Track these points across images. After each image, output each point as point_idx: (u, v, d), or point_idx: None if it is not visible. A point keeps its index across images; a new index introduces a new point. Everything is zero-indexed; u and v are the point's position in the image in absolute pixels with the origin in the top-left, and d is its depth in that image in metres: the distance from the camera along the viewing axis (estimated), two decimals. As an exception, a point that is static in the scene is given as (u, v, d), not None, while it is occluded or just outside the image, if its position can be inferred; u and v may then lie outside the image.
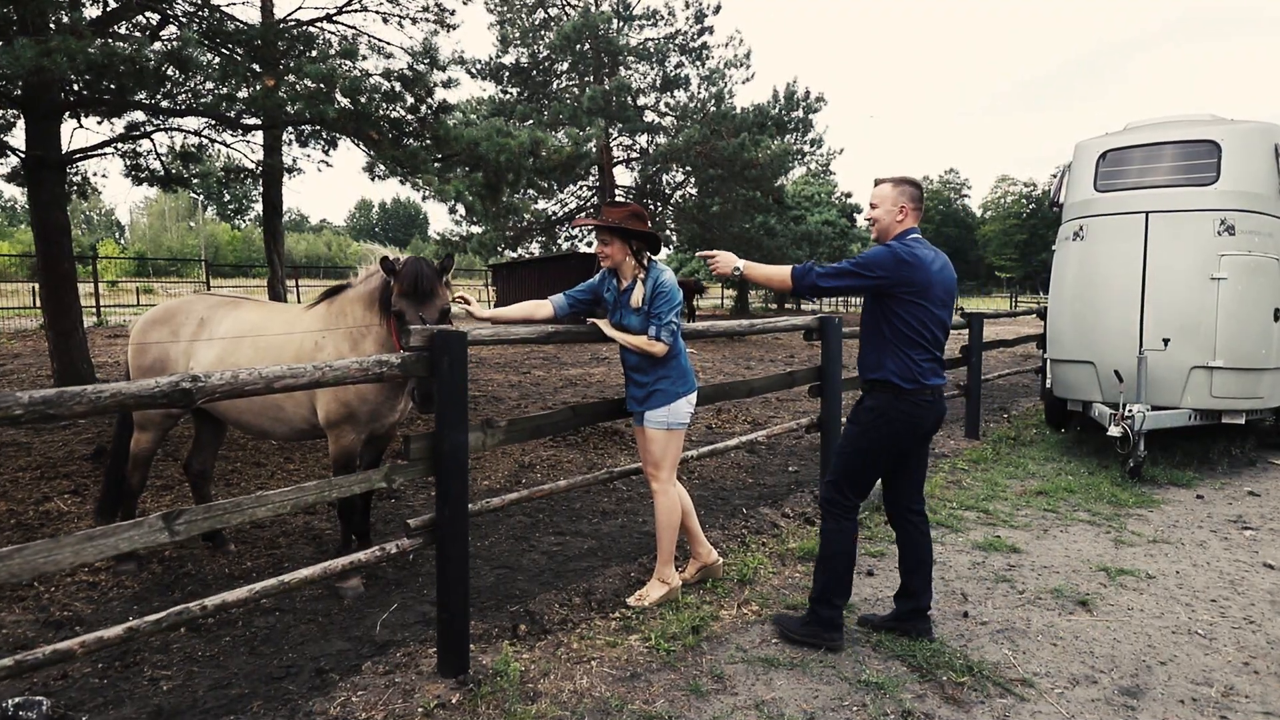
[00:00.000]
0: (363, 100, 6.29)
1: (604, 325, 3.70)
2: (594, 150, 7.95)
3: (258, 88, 6.09)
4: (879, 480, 3.59)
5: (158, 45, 5.65)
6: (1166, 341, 6.48)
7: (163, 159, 10.18)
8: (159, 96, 6.25)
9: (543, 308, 3.71)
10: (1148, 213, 6.75)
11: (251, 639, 3.57)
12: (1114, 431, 6.23)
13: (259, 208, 14.63)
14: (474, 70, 19.96)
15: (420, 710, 2.85)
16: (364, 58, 7.40)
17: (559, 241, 24.07)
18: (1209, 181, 6.61)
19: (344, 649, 3.46)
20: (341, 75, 6.00)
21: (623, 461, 6.96)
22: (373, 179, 7.50)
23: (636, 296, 3.59)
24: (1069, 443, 7.84)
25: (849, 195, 36.24)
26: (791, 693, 3.11)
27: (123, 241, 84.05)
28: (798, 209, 31.94)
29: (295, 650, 3.47)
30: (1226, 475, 6.72)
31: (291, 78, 6.35)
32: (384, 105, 6.42)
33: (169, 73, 5.50)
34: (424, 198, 8.07)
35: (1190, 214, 6.59)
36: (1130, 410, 6.28)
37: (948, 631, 3.67)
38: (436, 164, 7.07)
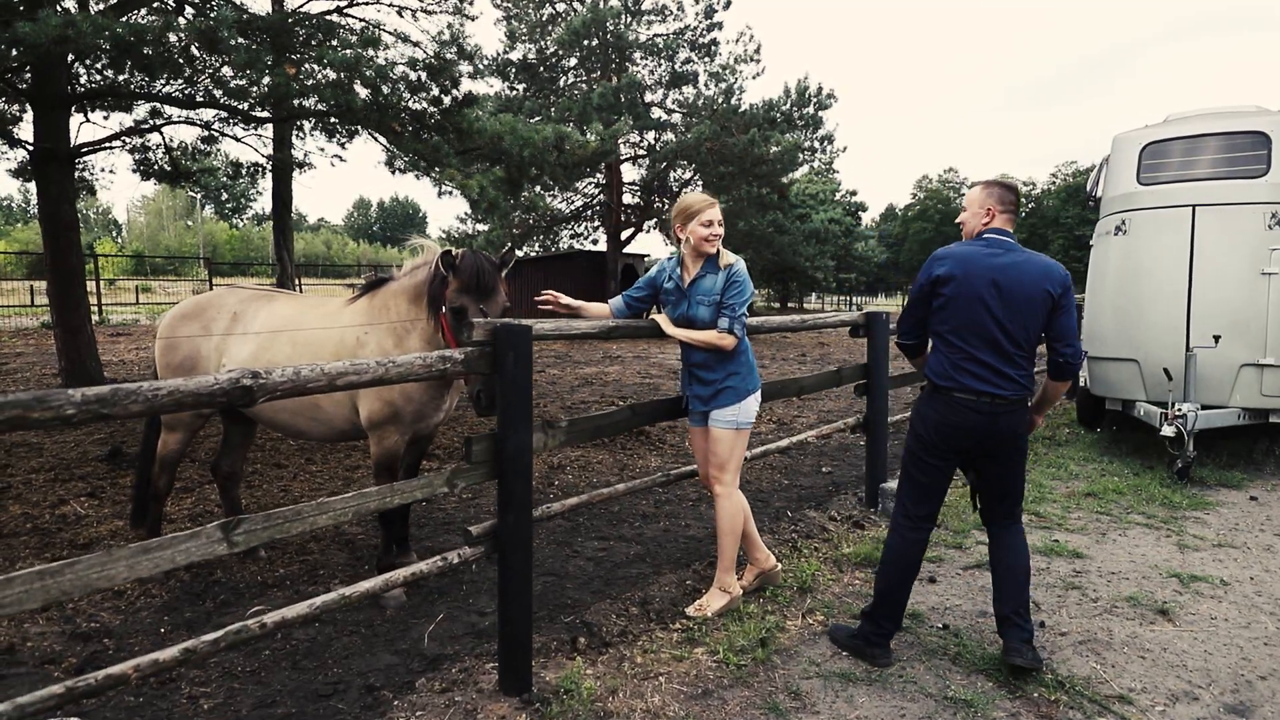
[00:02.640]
0: (385, 91, 6.08)
1: (664, 323, 3.48)
2: (619, 146, 7.75)
3: (280, 77, 5.88)
4: (940, 492, 3.31)
5: (182, 26, 5.42)
6: (1217, 338, 6.29)
7: (172, 153, 9.97)
8: (180, 81, 6.02)
9: (603, 310, 3.57)
10: (1194, 206, 6.56)
11: (293, 653, 3.36)
12: (1168, 431, 6.03)
13: (257, 206, 14.41)
14: (481, 66, 19.69)
15: (486, 732, 2.65)
16: (387, 47, 7.18)
17: (568, 239, 23.86)
18: (1259, 174, 6.42)
19: (392, 663, 3.25)
20: (366, 64, 5.78)
21: (654, 463, 6.76)
22: (393, 172, 7.31)
23: (713, 284, 3.38)
24: (1106, 442, 7.65)
25: (854, 193, 36.01)
26: (876, 711, 2.92)
27: (120, 240, 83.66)
28: (803, 206, 31.74)
29: (340, 665, 3.26)
30: (1275, 476, 6.53)
31: (313, 67, 6.13)
32: (408, 96, 6.21)
33: (195, 54, 5.28)
34: (440, 194, 7.83)
35: (1240, 207, 6.40)
36: (1181, 409, 6.09)
37: (1027, 643, 3.47)
38: (457, 158, 6.85)
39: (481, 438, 2.81)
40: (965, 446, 3.18)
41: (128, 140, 9.59)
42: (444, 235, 21.36)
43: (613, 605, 3.71)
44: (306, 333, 3.75)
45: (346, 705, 2.94)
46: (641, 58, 21.03)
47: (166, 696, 3.01)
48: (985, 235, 3.22)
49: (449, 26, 6.45)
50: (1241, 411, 6.39)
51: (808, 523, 5.02)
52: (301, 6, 10.06)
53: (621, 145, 22.10)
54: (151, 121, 9.29)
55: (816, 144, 20.86)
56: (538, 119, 17.60)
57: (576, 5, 19.64)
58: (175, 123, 9.16)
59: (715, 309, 3.38)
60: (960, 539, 4.81)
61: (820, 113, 19.90)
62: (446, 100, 6.35)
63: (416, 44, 6.70)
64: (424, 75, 6.16)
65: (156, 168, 10.13)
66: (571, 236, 24.36)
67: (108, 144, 9.05)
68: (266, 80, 5.83)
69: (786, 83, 19.69)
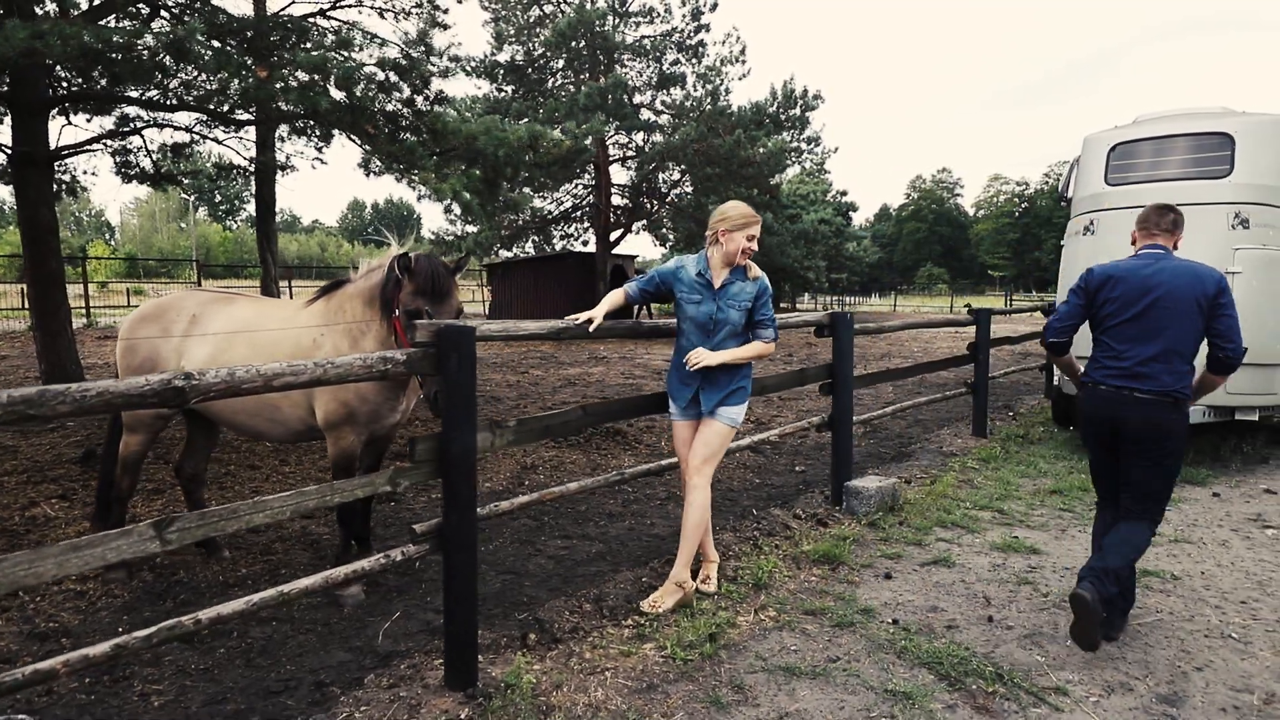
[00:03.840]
0: (357, 92, 6.12)
1: (709, 356, 3.57)
2: (591, 145, 7.78)
3: (250, 80, 5.92)
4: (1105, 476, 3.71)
5: (152, 34, 5.46)
6: (1180, 337, 6.36)
7: (153, 156, 9.99)
8: (150, 88, 6.06)
9: (617, 296, 3.77)
10: (1159, 206, 6.63)
11: (248, 650, 3.41)
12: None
13: (251, 208, 14.45)
14: (469, 68, 19.74)
15: (428, 726, 2.70)
16: (360, 48, 7.22)
17: (557, 241, 23.88)
18: (1223, 174, 6.51)
19: (345, 660, 3.30)
20: (335, 65, 5.83)
21: (628, 462, 6.81)
22: (367, 174, 7.35)
23: (741, 290, 3.64)
24: (1079, 441, 7.72)
25: (844, 194, 36.10)
26: (816, 704, 2.97)
27: (113, 242, 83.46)
28: (793, 207, 31.82)
29: (294, 662, 3.30)
30: (1240, 473, 6.61)
31: (285, 70, 6.17)
32: (380, 97, 6.25)
33: (165, 63, 5.32)
34: (420, 197, 7.89)
35: (1204, 207, 6.47)
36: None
37: (973, 637, 3.53)
38: (434, 159, 6.90)
39: (426, 438, 2.86)
40: (1109, 434, 3.56)
41: (108, 143, 9.61)
42: (432, 237, 21.36)
43: (567, 602, 3.76)
44: (264, 334, 3.80)
45: (295, 701, 2.98)
46: (630, 59, 21.08)
47: (119, 694, 3.05)
48: (1142, 251, 3.63)
49: (417, 27, 6.49)
50: (1207, 409, 6.46)
51: (771, 521, 5.07)
52: (284, 9, 10.11)
53: (611, 147, 22.19)
54: (131, 125, 9.31)
55: (803, 145, 20.95)
56: (525, 120, 17.66)
57: (564, 7, 19.68)
58: (155, 126, 9.19)
59: (744, 314, 3.62)
60: (921, 536, 4.87)
61: (807, 114, 19.97)
62: (419, 101, 6.38)
63: (383, 44, 6.72)
64: (393, 75, 6.20)
65: (137, 170, 10.16)
66: (562, 237, 24.38)
67: (87, 147, 9.08)
68: (237, 85, 5.86)
69: (773, 84, 19.73)
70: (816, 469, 6.84)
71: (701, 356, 3.57)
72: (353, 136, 6.55)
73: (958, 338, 19.98)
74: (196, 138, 9.54)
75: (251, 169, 11.24)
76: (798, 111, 19.63)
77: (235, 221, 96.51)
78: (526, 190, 22.38)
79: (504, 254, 24.24)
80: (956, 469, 6.63)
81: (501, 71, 20.10)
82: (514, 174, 7.04)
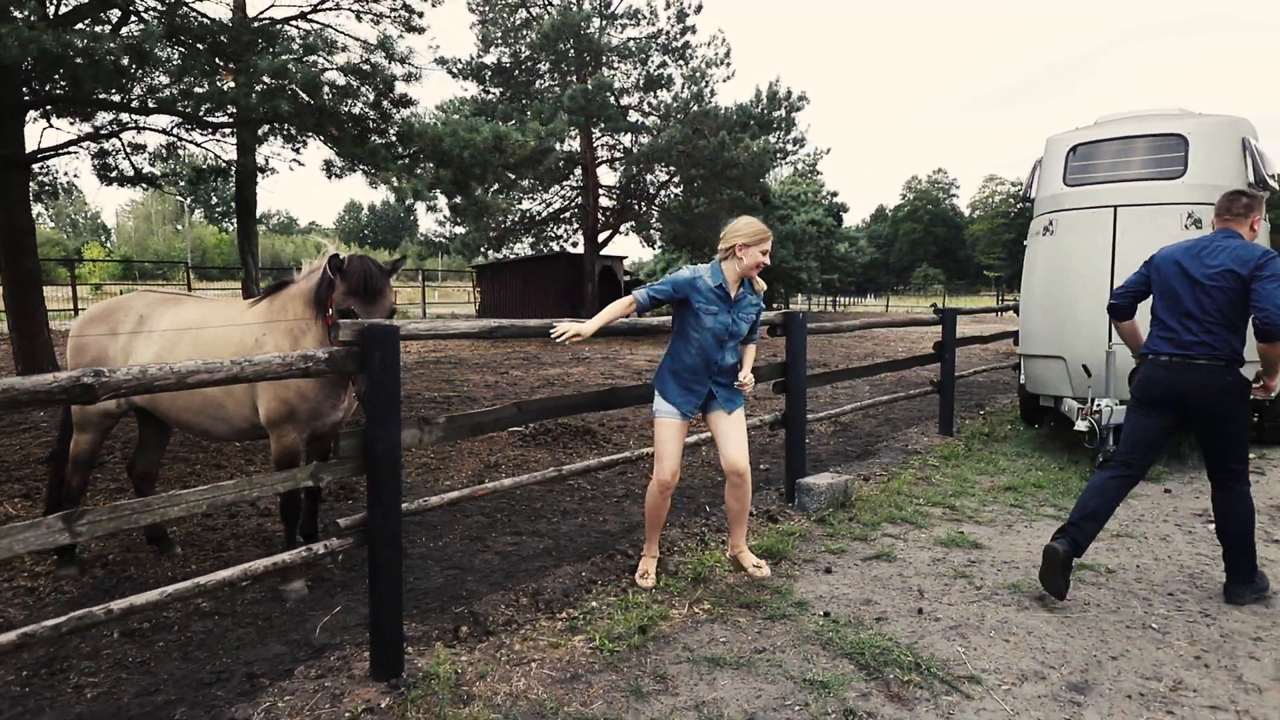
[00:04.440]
0: (323, 95, 6.20)
1: (749, 378, 4.03)
2: (557, 145, 7.86)
3: (218, 85, 5.99)
4: (1145, 446, 4.00)
5: (112, 39, 5.53)
6: (1135, 335, 6.44)
7: (131, 159, 10.07)
8: (114, 91, 6.14)
9: (620, 306, 3.75)
10: (1116, 206, 6.72)
11: (186, 644, 3.48)
12: (1080, 426, 6.19)
13: None
14: (455, 70, 19.84)
15: (347, 715, 2.77)
16: (332, 52, 7.30)
17: (547, 242, 23.96)
18: (1176, 175, 6.58)
19: (280, 653, 3.37)
20: (298, 70, 5.90)
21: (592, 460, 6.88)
22: (329, 176, 7.42)
23: (750, 303, 3.93)
24: (1042, 438, 7.81)
25: (835, 194, 36.21)
26: (734, 693, 3.05)
27: (109, 245, 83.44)
28: (784, 208, 31.92)
29: (230, 655, 3.38)
30: (1197, 470, 6.68)
31: (249, 75, 6.25)
32: (344, 100, 6.33)
33: (128, 67, 5.40)
34: (398, 200, 7.94)
35: (1158, 207, 6.55)
36: (1098, 405, 6.24)
37: (900, 629, 3.61)
38: (404, 160, 6.98)
39: (350, 434, 2.93)
40: (1169, 402, 3.91)
41: (87, 146, 9.69)
42: (423, 239, 21.43)
43: (505, 596, 3.83)
44: (208, 333, 3.87)
45: (225, 693, 3.06)
46: (618, 61, 21.18)
47: (54, 686, 3.13)
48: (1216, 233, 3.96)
49: (396, 30, 6.59)
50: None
51: (721, 517, 5.15)
52: (265, 11, 10.20)
53: (600, 149, 22.29)
54: (109, 127, 9.38)
55: (789, 146, 21.04)
56: (512, 122, 17.73)
57: (550, 9, 19.76)
58: (132, 128, 9.26)
59: (749, 325, 3.93)
60: (868, 531, 4.95)
61: (792, 115, 20.08)
62: (385, 104, 6.46)
63: (344, 49, 6.78)
64: (355, 80, 6.27)
65: (118, 172, 10.23)
66: (553, 238, 24.47)
67: (66, 149, 9.16)
68: (201, 89, 5.94)
69: (758, 86, 19.84)
70: (780, 466, 6.91)
71: (746, 381, 3.99)
72: (321, 138, 6.62)
73: (929, 336, 20.05)
74: (176, 140, 9.60)
75: (232, 171, 11.30)
76: (783, 113, 19.73)
77: (231, 223, 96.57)
78: (504, 193, 22.48)
79: (494, 255, 24.32)
80: (916, 466, 6.71)
81: (489, 73, 20.18)
82: (483, 174, 7.12)
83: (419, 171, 7.43)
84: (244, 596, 3.92)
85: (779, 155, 20.91)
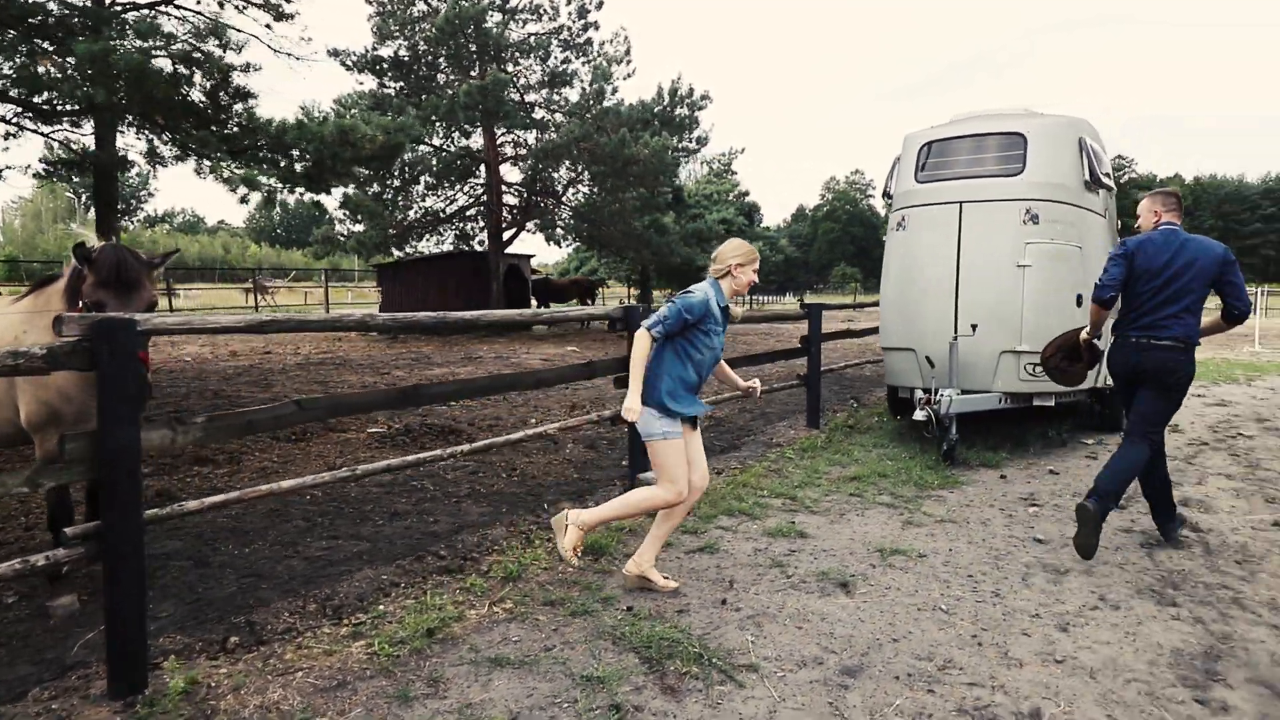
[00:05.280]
0: (150, 83, 5.86)
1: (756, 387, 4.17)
2: (406, 140, 7.65)
3: (29, 68, 5.60)
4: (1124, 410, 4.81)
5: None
6: (974, 327, 6.66)
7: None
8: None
9: (646, 344, 3.67)
10: (962, 203, 6.92)
11: (-77, 668, 3.20)
12: (919, 415, 6.35)
13: (150, 207, 13.69)
14: (349, 63, 19.28)
15: (66, 738, 2.58)
16: (172, 42, 6.92)
17: (453, 240, 23.51)
18: (1016, 172, 6.83)
19: (27, 674, 3.13)
20: (119, 57, 5.56)
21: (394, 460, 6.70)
22: (151, 164, 7.03)
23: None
24: (903, 429, 8.00)
25: (747, 194, 36.71)
26: (506, 693, 2.97)
27: (-6, 245, 78.23)
28: (697, 207, 32.17)
29: (-31, 678, 3.12)
30: (1036, 456, 6.95)
31: (68, 60, 5.87)
32: (176, 89, 5.99)
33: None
34: (231, 191, 7.57)
35: (999, 204, 6.78)
36: (940, 395, 6.42)
37: (698, 620, 3.59)
38: (246, 152, 6.66)
39: (77, 435, 2.73)
40: (1133, 377, 4.46)
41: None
42: (315, 239, 20.78)
43: (293, 604, 3.67)
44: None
45: (-55, 720, 2.81)
46: (520, 57, 20.94)
47: None
48: (1161, 227, 4.45)
49: (210, 20, 6.24)
50: (1003, 396, 6.77)
51: (555, 514, 5.07)
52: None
53: (507, 146, 21.99)
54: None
55: (692, 145, 21.18)
56: (405, 117, 17.31)
57: (445, 1, 19.37)
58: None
59: None
60: (701, 524, 4.94)
61: (695, 114, 20.22)
62: (222, 95, 6.15)
63: (174, 39, 6.42)
64: (184, 68, 5.94)
65: (-47, 166, 9.54)
66: (458, 237, 24.04)
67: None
68: (8, 72, 5.55)
69: (660, 83, 19.90)
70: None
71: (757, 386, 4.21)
72: (144, 126, 6.26)
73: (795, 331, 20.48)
74: (14, 130, 8.99)
75: (88, 164, 10.68)
76: (686, 111, 19.84)
77: (133, 221, 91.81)
78: (403, 191, 21.99)
79: (399, 255, 23.71)
80: (773, 459, 6.78)
81: (385, 66, 19.67)
82: (333, 167, 6.86)
83: (274, 161, 7.12)
84: (6, 615, 3.64)
85: (682, 154, 21.01)
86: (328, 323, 3.47)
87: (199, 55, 6.02)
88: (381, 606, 3.64)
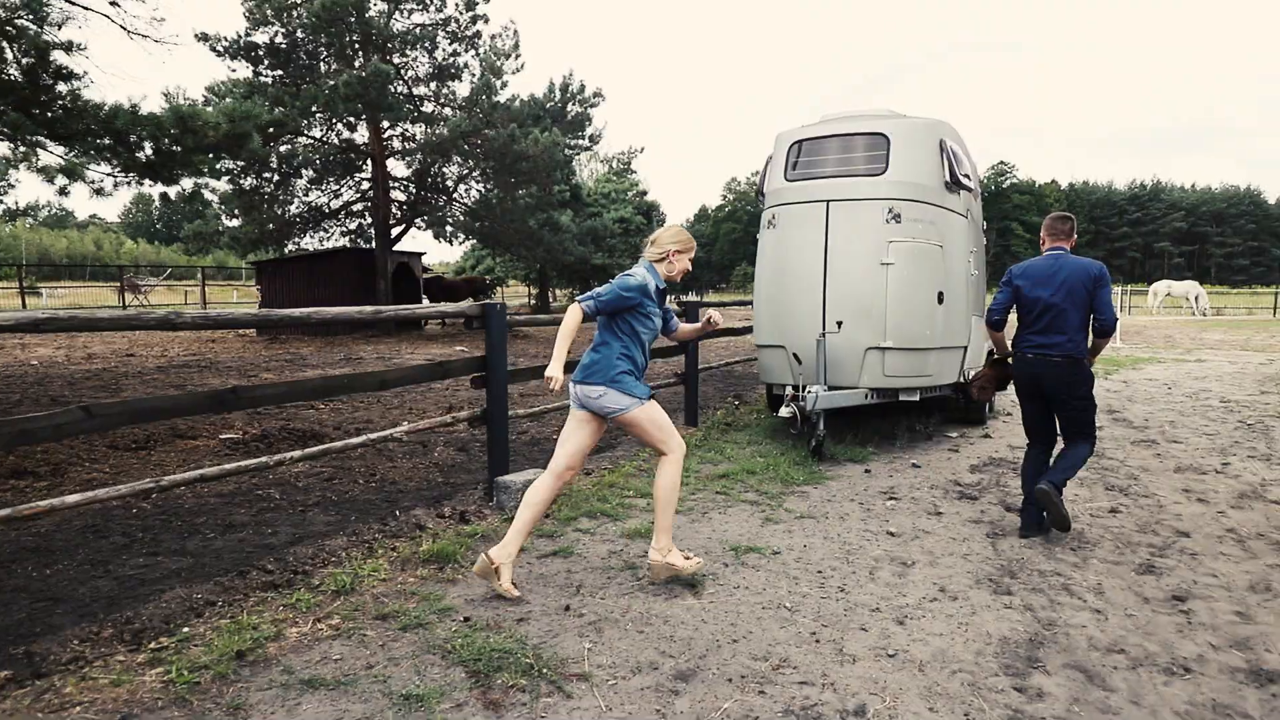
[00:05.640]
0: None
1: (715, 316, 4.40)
2: (253, 130, 7.20)
3: None
4: (1033, 424, 4.93)
5: None
6: (840, 324, 6.77)
7: None
8: None
9: (576, 318, 3.80)
10: (829, 201, 7.03)
11: None
12: (784, 412, 6.41)
13: (10, 200, 12.44)
14: (220, 49, 18.18)
15: None
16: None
17: (334, 238, 22.58)
18: (880, 172, 6.98)
19: None
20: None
21: (299, 467, 6.34)
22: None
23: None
24: (778, 426, 8.08)
25: (645, 193, 36.86)
26: (314, 716, 2.74)
27: None
28: (594, 205, 32.06)
29: None
30: (902, 450, 7.14)
31: None
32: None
33: None
34: (46, 180, 6.93)
35: (863, 202, 6.92)
36: (806, 391, 6.49)
37: (537, 629, 3.45)
38: (75, 138, 6.09)
39: None
40: (1036, 388, 4.78)
41: None
42: (186, 235, 19.56)
43: (87, 630, 3.31)
44: None
45: None
46: (407, 48, 20.27)
47: None
48: (1048, 251, 4.82)
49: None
50: (869, 391, 6.91)
51: (408, 521, 4.83)
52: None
53: (395, 140, 21.26)
54: None
55: (584, 142, 21.04)
56: (282, 108, 16.49)
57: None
58: None
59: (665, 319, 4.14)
60: (559, 527, 4.81)
61: (588, 110, 20.08)
62: (43, 75, 5.58)
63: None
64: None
65: None
66: (344, 234, 23.11)
67: None
68: None
69: (551, 79, 19.67)
70: (519, 465, 6.68)
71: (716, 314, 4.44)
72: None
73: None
74: None
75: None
76: (578, 108, 19.67)
77: (30, 219, 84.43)
78: (304, 182, 21.03)
79: (279, 252, 22.60)
80: (644, 457, 6.71)
81: (261, 54, 18.67)
82: (178, 156, 6.36)
83: (106, 152, 6.54)
84: None
85: (572, 150, 20.83)
86: (119, 321, 3.14)
87: (11, 30, 5.42)
88: (189, 629, 3.33)
